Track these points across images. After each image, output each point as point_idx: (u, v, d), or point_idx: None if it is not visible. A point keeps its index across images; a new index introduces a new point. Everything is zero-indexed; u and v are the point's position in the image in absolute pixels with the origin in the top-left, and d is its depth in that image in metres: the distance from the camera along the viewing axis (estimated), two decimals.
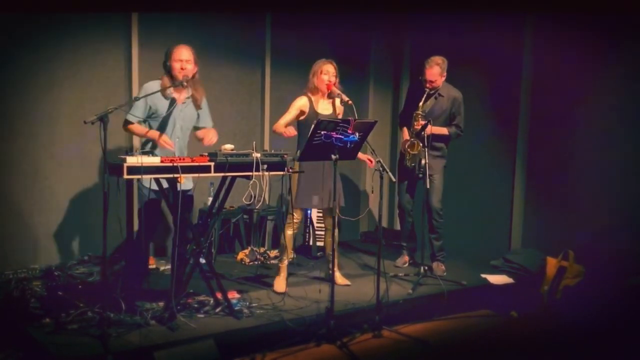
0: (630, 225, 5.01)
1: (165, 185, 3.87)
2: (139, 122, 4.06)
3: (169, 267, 4.76)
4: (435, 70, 5.02)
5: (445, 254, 5.36)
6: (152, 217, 4.15)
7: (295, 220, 4.62)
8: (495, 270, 5.39)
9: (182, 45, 4.08)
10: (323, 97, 4.61)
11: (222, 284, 4.13)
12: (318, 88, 4.55)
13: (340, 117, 4.59)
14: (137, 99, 3.98)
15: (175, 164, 3.62)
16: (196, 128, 4.32)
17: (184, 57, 4.03)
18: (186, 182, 4.19)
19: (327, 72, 4.51)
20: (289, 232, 4.61)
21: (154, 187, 3.85)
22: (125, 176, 3.49)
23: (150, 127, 4.09)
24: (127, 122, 4.07)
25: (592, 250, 5.02)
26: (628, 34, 5.02)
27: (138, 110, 4.04)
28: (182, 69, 4.02)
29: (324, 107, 4.61)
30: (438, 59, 5.03)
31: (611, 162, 5.20)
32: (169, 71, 4.07)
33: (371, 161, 4.57)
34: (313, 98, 4.58)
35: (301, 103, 4.56)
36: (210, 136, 4.21)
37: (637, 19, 4.83)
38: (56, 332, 3.56)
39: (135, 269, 4.22)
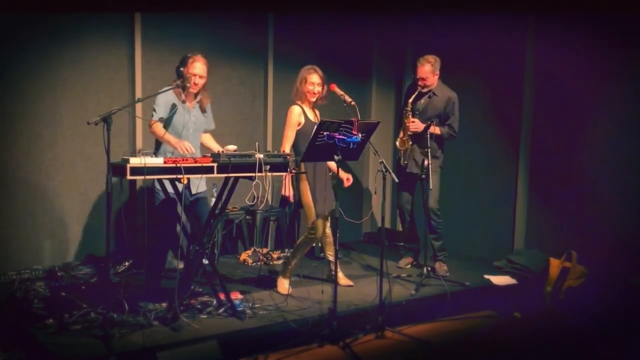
0: (634, 226, 5.00)
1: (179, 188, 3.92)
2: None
3: (170, 268, 4.76)
4: (427, 68, 5.02)
5: (447, 254, 5.36)
6: (170, 217, 4.18)
7: (319, 229, 4.53)
8: (498, 271, 5.38)
9: (199, 57, 4.15)
10: (309, 105, 4.61)
11: (224, 284, 4.13)
12: (306, 98, 4.54)
13: None
14: (139, 100, 4.00)
15: (178, 165, 3.62)
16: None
17: (197, 72, 4.14)
18: (200, 185, 4.27)
19: (312, 82, 4.49)
20: (309, 242, 4.57)
21: (170, 189, 3.90)
22: (128, 177, 3.49)
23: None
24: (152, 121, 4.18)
25: (595, 251, 5.02)
26: (631, 34, 5.01)
27: (161, 109, 4.13)
28: (195, 84, 4.15)
29: (312, 115, 4.61)
30: (430, 58, 5.04)
31: (614, 163, 5.19)
32: (182, 77, 4.13)
33: (349, 180, 4.62)
34: (303, 105, 4.58)
35: (298, 116, 4.52)
36: None
37: (639, 18, 4.82)
38: (59, 332, 3.56)
39: (156, 269, 4.26)
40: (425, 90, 5.10)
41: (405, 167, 5.19)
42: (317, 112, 4.71)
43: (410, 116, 5.07)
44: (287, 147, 4.53)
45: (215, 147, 4.34)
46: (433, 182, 5.14)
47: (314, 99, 4.54)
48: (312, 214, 4.48)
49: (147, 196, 5.39)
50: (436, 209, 5.22)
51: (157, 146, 4.26)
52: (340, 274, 4.73)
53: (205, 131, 4.45)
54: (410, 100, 5.06)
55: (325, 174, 4.56)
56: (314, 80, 4.48)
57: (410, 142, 5.06)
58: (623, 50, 5.09)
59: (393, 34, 6.81)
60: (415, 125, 5.04)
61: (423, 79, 5.04)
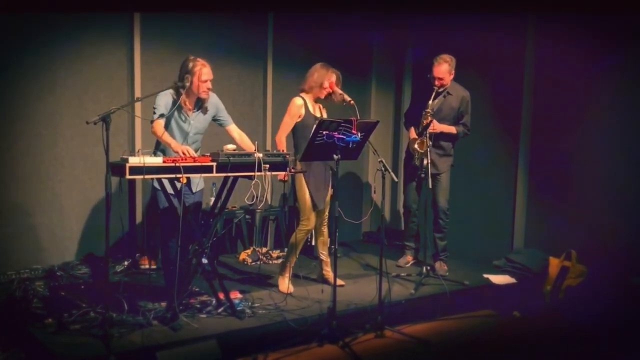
0: (634, 225, 5.00)
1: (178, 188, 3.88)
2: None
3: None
4: (444, 68, 5.01)
5: (448, 254, 5.36)
6: (174, 218, 4.12)
7: (311, 220, 4.56)
8: (498, 270, 5.39)
9: (203, 61, 3.99)
10: (312, 99, 4.61)
11: (224, 284, 4.13)
12: (316, 93, 4.55)
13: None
14: (138, 99, 3.97)
15: (177, 164, 3.62)
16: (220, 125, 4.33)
17: (209, 77, 4.00)
18: (199, 183, 4.25)
19: (332, 81, 4.51)
20: (302, 235, 4.58)
21: (170, 190, 3.87)
22: (128, 176, 3.49)
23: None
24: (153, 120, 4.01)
25: (595, 250, 5.02)
26: (631, 35, 5.01)
27: (161, 109, 3.97)
28: (208, 89, 4.02)
29: (315, 108, 4.62)
30: (446, 57, 5.03)
31: (614, 162, 5.19)
32: (185, 85, 3.94)
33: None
34: (307, 99, 4.58)
35: (299, 108, 4.53)
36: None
37: (639, 19, 4.82)
38: (59, 332, 3.56)
39: (170, 258, 4.13)
40: (440, 90, 5.10)
41: (420, 167, 5.08)
42: (322, 107, 4.68)
43: (429, 117, 5.00)
44: (282, 135, 4.55)
45: (250, 145, 4.16)
46: (444, 182, 5.14)
47: (323, 96, 4.56)
48: (307, 207, 4.50)
49: (149, 196, 5.40)
50: (446, 209, 5.22)
51: (158, 145, 4.13)
52: (330, 273, 4.74)
53: (222, 125, 4.27)
54: (431, 101, 5.01)
55: (324, 169, 4.56)
56: (333, 80, 4.52)
57: (430, 143, 4.97)
58: (623, 50, 5.09)
59: (393, 34, 6.81)
60: (434, 126, 4.98)
61: (440, 79, 5.03)
